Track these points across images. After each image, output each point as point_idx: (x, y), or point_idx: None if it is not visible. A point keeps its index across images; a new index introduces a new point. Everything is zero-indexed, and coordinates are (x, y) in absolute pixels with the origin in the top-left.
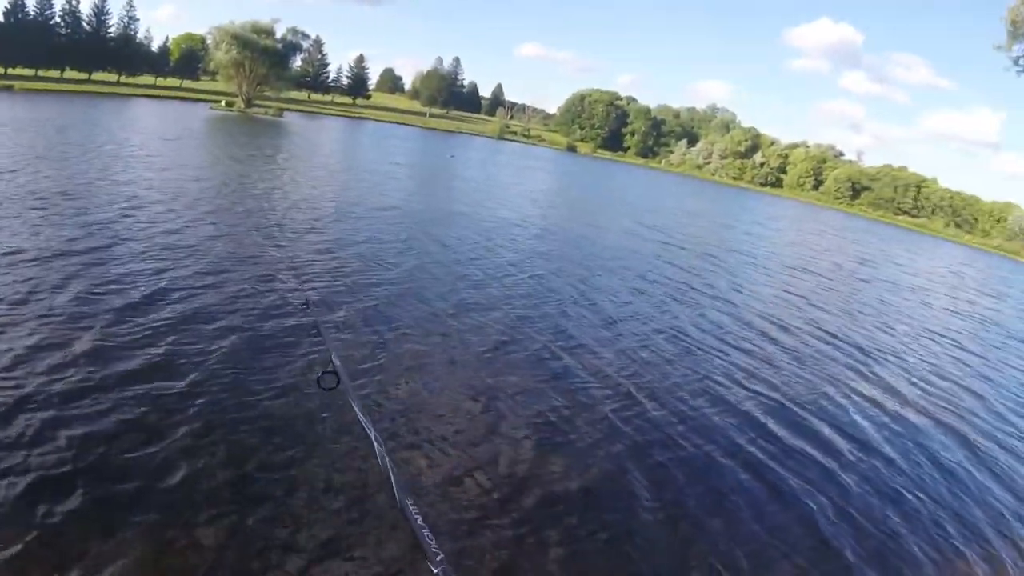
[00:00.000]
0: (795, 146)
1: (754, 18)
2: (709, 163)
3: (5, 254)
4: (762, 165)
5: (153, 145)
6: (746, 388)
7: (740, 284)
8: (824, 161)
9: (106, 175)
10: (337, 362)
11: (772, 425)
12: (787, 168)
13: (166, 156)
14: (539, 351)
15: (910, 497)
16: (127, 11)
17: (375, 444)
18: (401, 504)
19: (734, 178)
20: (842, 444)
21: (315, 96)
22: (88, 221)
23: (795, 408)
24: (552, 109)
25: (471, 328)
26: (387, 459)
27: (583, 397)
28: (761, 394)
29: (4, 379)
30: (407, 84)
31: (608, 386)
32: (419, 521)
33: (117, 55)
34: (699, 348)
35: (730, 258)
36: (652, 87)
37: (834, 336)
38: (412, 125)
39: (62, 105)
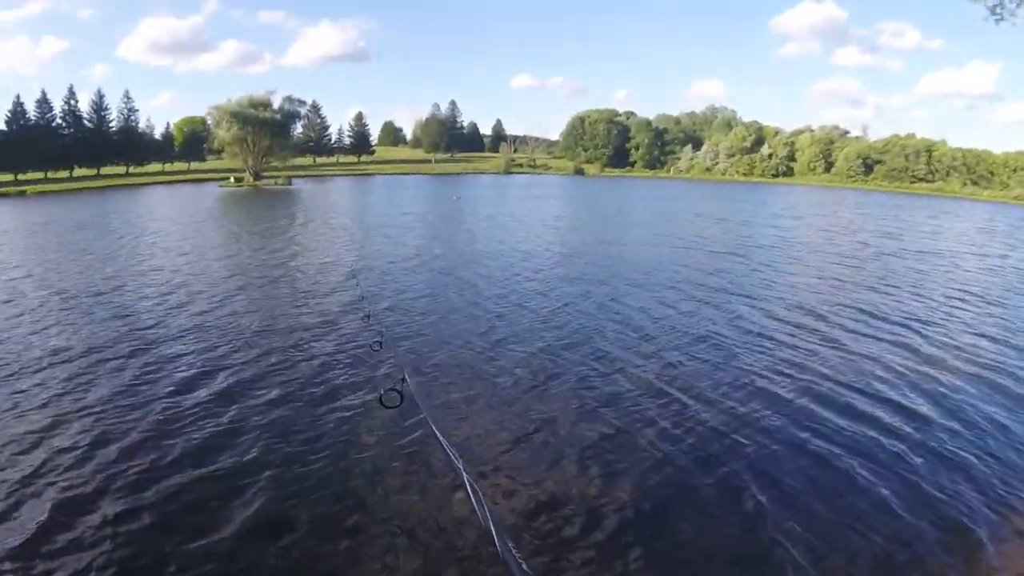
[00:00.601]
0: (800, 132)
1: (738, 13)
2: (717, 163)
3: (52, 354)
4: (770, 156)
5: (172, 230)
6: (797, 381)
7: (770, 279)
8: (831, 142)
9: (132, 266)
10: (405, 382)
11: (830, 414)
12: (796, 155)
13: (186, 240)
14: (586, 375)
15: (981, 467)
16: (125, 103)
17: (463, 474)
18: (500, 543)
19: (744, 174)
20: (903, 423)
21: (320, 159)
22: (123, 312)
23: (850, 394)
24: (554, 136)
25: (516, 362)
26: (480, 496)
27: (637, 414)
28: (814, 385)
29: (76, 475)
30: (408, 134)
31: (659, 400)
32: (512, 549)
33: (122, 147)
34: (742, 348)
35: (756, 254)
36: (648, 98)
37: (874, 315)
38: (419, 173)
39: (76, 204)
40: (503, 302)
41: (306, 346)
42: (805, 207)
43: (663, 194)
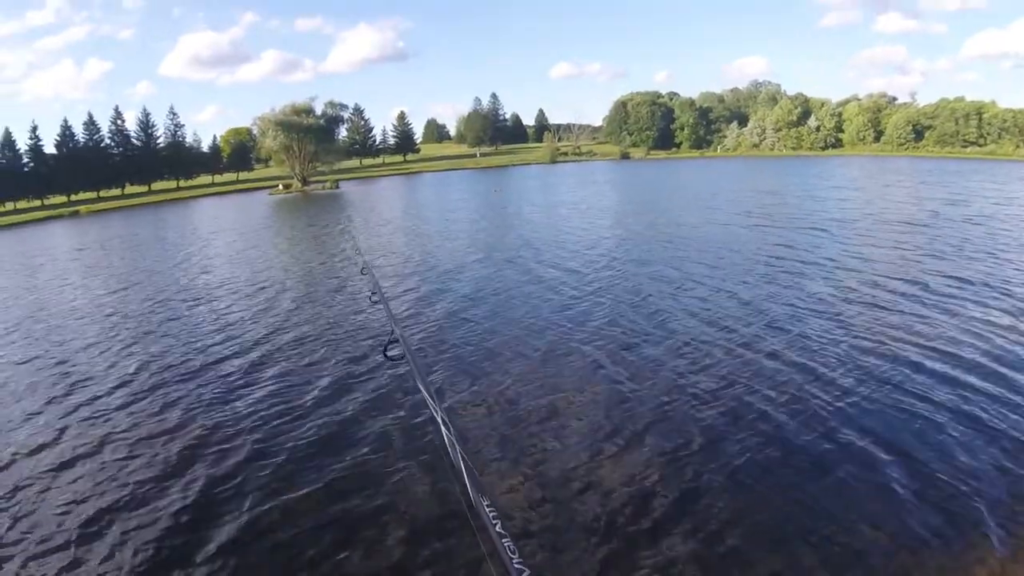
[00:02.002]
0: (846, 102)
1: None
2: (765, 139)
3: (145, 366)
4: (818, 129)
5: (229, 240)
6: (902, 356)
7: (852, 250)
8: (879, 110)
9: (192, 278)
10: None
11: (939, 393)
12: (844, 126)
13: (246, 248)
14: (669, 361)
15: None
16: (171, 119)
17: (447, 440)
18: (477, 508)
19: (793, 148)
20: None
21: (366, 161)
22: (193, 324)
23: (958, 371)
24: (597, 122)
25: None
26: (461, 458)
27: (695, 393)
28: (929, 360)
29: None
30: (452, 130)
31: (756, 371)
32: (498, 528)
33: (171, 162)
34: (844, 323)
35: (830, 226)
36: (690, 78)
37: (966, 281)
38: (465, 168)
39: (130, 220)
40: (585, 290)
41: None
42: (862, 178)
43: (715, 173)
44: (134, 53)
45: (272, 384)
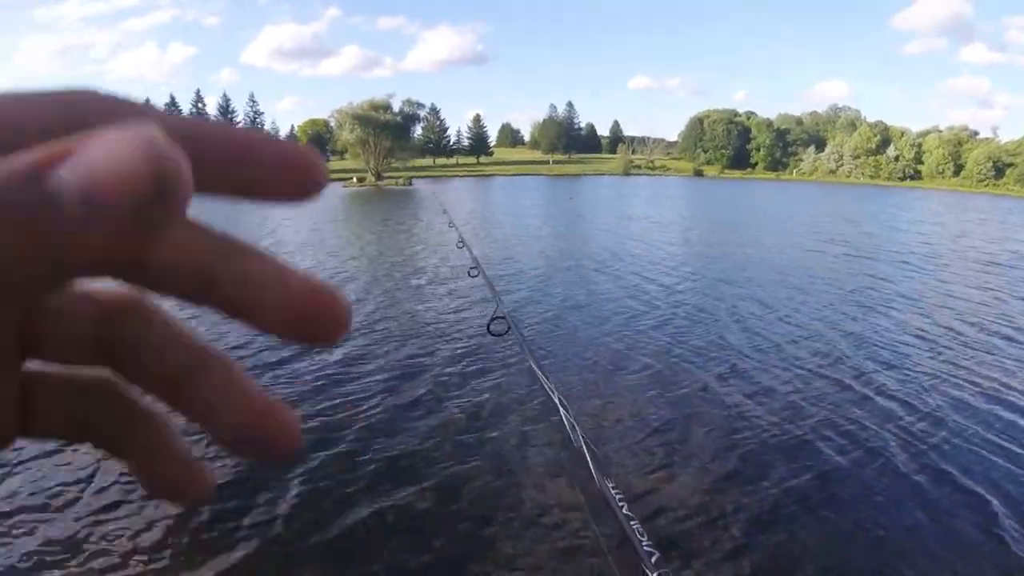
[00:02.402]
0: (927, 133)
1: (858, 10)
2: (842, 165)
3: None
4: (897, 159)
5: (321, 227)
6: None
7: (935, 285)
8: (960, 143)
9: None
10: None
11: None
12: (923, 158)
13: (337, 234)
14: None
15: None
16: (251, 107)
17: (567, 422)
18: (602, 489)
19: (871, 177)
20: None
21: (439, 160)
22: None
23: None
24: (672, 136)
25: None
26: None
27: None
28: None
29: None
30: (526, 135)
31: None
32: (624, 510)
33: None
34: (939, 358)
35: (910, 259)
36: (769, 98)
37: None
38: (538, 174)
39: (205, 203)
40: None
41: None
42: (942, 212)
43: (792, 196)
44: (218, 40)
45: (377, 362)
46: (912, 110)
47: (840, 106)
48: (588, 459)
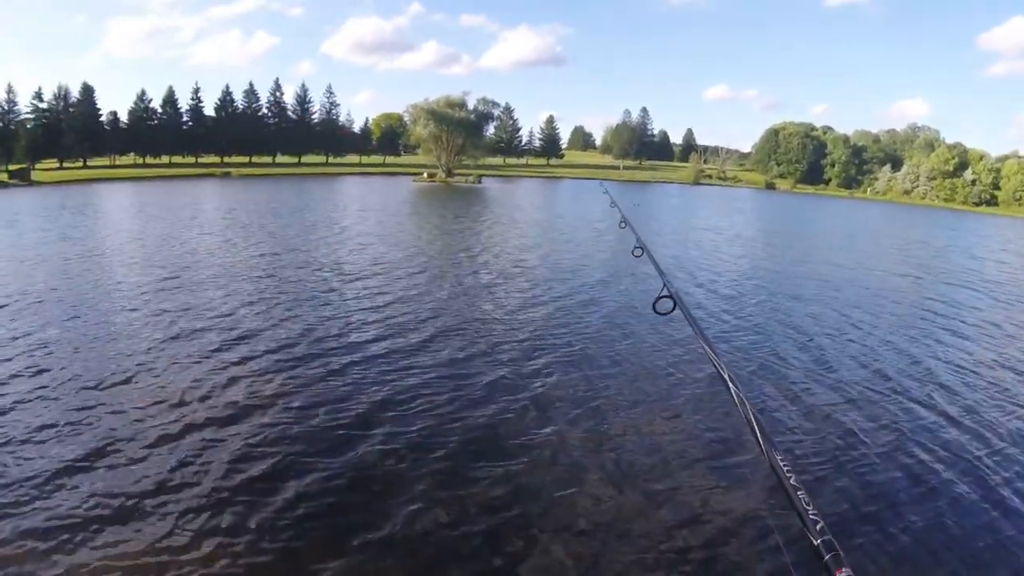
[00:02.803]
0: (1006, 158)
1: (943, 29)
2: (917, 186)
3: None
4: (973, 183)
5: (393, 219)
6: None
7: (1013, 316)
8: None
9: (361, 252)
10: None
11: None
12: (1000, 183)
13: (415, 227)
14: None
15: None
16: (328, 98)
17: (736, 396)
18: (770, 460)
19: (945, 200)
20: None
21: (510, 160)
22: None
23: None
24: (745, 148)
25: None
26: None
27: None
28: None
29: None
30: (598, 139)
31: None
32: (792, 480)
33: (323, 138)
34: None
35: (986, 287)
36: (847, 114)
37: None
38: (607, 179)
39: (279, 187)
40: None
41: None
42: (1019, 239)
43: (867, 215)
44: (301, 31)
45: (552, 342)
46: (993, 134)
47: (919, 125)
48: (757, 432)
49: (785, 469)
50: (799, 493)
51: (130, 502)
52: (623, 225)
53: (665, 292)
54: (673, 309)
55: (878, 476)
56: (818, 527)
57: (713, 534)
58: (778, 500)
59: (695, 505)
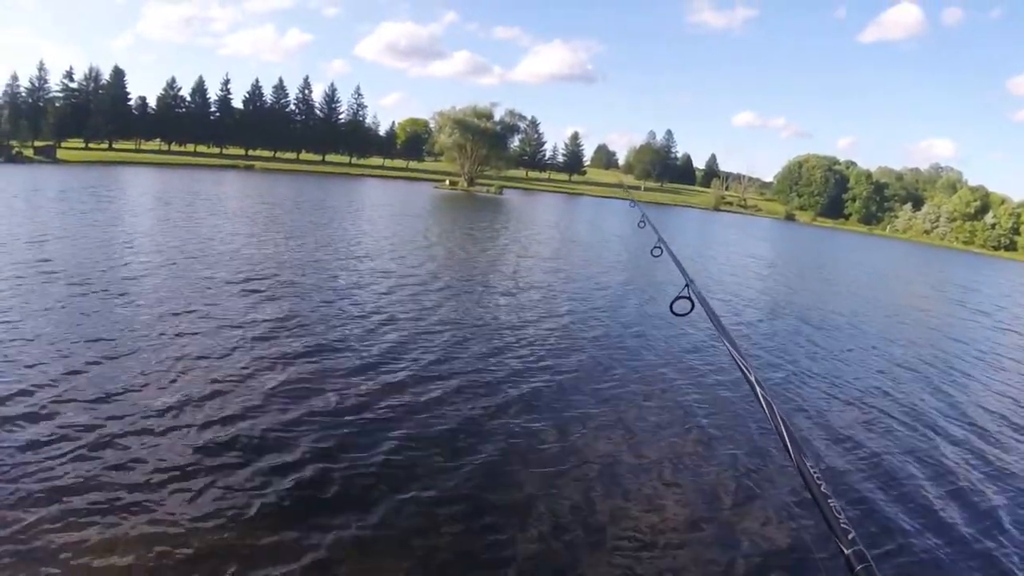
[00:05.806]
0: None
1: (974, 71)
2: (937, 227)
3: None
4: (994, 227)
5: (411, 224)
6: None
7: None
8: None
9: (379, 254)
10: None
11: None
12: (1021, 228)
13: (440, 236)
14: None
15: None
16: (356, 99)
17: (762, 400)
18: (800, 467)
19: (964, 242)
20: None
21: (532, 173)
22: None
23: None
24: (768, 177)
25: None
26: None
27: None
28: None
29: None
30: (621, 158)
31: None
32: (822, 488)
33: (349, 138)
34: None
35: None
36: (872, 150)
37: None
38: (627, 198)
39: (301, 184)
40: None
41: None
42: None
43: (888, 254)
44: (335, 30)
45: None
46: (1017, 178)
47: (943, 166)
48: (786, 437)
49: (815, 476)
50: (829, 501)
51: (134, 488)
52: (657, 251)
53: (684, 293)
54: (691, 310)
55: (910, 487)
56: (849, 536)
57: (740, 541)
58: (806, 508)
59: (722, 511)
